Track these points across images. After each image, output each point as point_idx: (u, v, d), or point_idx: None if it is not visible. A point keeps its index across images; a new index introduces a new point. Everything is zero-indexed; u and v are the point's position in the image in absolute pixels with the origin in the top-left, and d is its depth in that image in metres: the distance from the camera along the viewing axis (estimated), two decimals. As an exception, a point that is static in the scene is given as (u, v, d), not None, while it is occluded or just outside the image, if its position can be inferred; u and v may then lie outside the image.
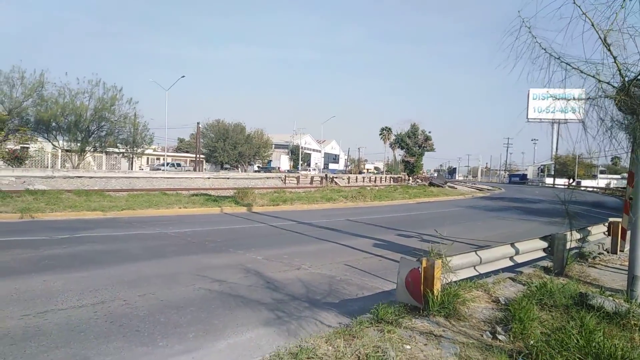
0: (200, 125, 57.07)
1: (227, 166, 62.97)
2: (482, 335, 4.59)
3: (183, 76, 54.68)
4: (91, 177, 28.03)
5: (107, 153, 43.01)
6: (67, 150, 35.03)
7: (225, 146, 60.26)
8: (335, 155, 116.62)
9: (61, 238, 10.07)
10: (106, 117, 34.69)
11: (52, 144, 34.70)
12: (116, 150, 40.84)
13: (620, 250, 9.63)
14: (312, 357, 3.90)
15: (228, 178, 37.19)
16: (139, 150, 42.06)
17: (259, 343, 4.49)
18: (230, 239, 10.83)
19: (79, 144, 33.90)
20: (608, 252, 9.75)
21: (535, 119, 62.78)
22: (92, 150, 36.10)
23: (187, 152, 75.68)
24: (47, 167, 37.96)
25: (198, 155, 55.50)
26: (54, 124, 32.61)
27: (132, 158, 43.99)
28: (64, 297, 5.73)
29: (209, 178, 35.89)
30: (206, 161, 65.06)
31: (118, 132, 36.93)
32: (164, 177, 33.04)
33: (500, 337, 4.50)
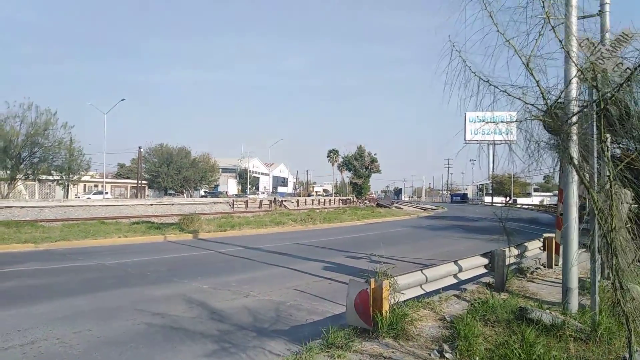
0: (142, 150, 55.13)
1: (172, 192, 60.94)
2: (429, 355, 4.64)
3: (123, 99, 52.70)
4: (22, 207, 26.09)
5: (40, 181, 40.42)
6: (-5, 179, 32.55)
7: (169, 171, 58.41)
8: (284, 178, 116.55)
9: (-16, 274, 9.22)
10: (39, 143, 32.65)
11: (-22, 173, 32.13)
12: (50, 177, 38.38)
13: (555, 264, 10.17)
14: (260, 389, 3.75)
15: (173, 204, 35.92)
16: (75, 177, 39.78)
17: (204, 378, 4.27)
18: (175, 268, 10.39)
19: (8, 172, 31.57)
20: (544, 267, 10.28)
21: (472, 140, 65.99)
22: (23, 178, 33.70)
23: (127, 177, 72.54)
24: (-29, 197, 34.97)
25: (140, 181, 53.39)
26: (-21, 150, 30.29)
27: (68, 185, 41.54)
28: (-15, 340, 5.20)
29: (151, 205, 34.49)
30: (149, 187, 62.62)
31: (52, 159, 34.79)
32: (103, 205, 31.40)
33: (447, 355, 4.57)
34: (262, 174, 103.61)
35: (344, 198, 62.71)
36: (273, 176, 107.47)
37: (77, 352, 4.86)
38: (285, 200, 48.05)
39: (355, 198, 62.59)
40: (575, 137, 3.55)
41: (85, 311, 6.57)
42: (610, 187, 3.09)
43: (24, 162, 32.62)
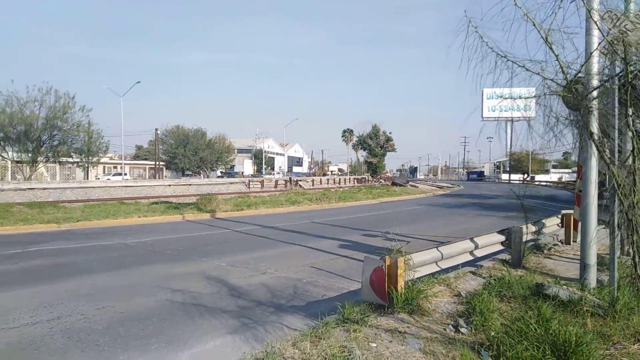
0: (158, 132, 55.61)
1: (189, 172, 61.61)
2: (445, 330, 4.69)
3: (139, 82, 52.83)
4: (44, 189, 26.70)
5: (60, 163, 41.07)
6: (17, 162, 33.23)
7: (186, 152, 58.96)
8: (299, 158, 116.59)
9: (12, 253, 9.55)
10: (58, 126, 33.12)
11: (1, 156, 32.86)
12: (70, 160, 39.06)
13: (573, 241, 10.08)
14: (279, 362, 3.86)
15: (190, 185, 36.34)
16: (94, 159, 40.43)
17: (224, 351, 4.40)
18: (193, 247, 10.59)
19: (30, 155, 32.21)
20: (562, 243, 10.19)
21: (489, 117, 64.96)
22: (44, 160, 34.39)
23: (145, 159, 73.50)
24: (-4, 179, 35.93)
25: (157, 162, 54.03)
26: (1, 134, 30.89)
27: (87, 167, 42.33)
28: (16, 315, 5.43)
29: (169, 185, 34.97)
30: (166, 168, 63.40)
31: (71, 141, 35.31)
32: (122, 186, 31.93)
33: (462, 330, 4.61)
34: (277, 154, 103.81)
35: (359, 177, 62.58)
36: (288, 156, 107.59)
37: (100, 327, 5.04)
38: (300, 180, 48.20)
39: (370, 177, 62.43)
40: (596, 112, 3.47)
41: (108, 288, 6.78)
42: (634, 162, 3.03)
43: (44, 145, 33.21)
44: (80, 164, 40.84)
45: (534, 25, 2.79)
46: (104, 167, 59.68)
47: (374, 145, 69.09)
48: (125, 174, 53.48)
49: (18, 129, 31.08)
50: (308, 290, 6.64)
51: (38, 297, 6.19)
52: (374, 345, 4.24)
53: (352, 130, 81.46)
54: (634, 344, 4.19)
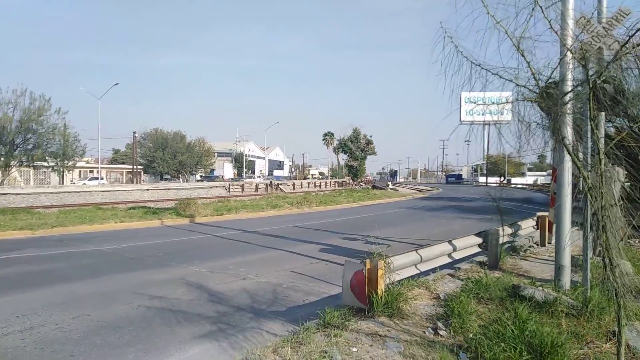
0: (137, 135, 54.76)
1: (168, 176, 60.77)
2: (424, 332, 4.73)
3: (116, 84, 52.13)
4: (18, 194, 25.96)
5: (35, 167, 39.99)
6: (-11, 166, 32.25)
7: (165, 156, 58.15)
8: (280, 161, 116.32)
9: (-19, 262, 9.24)
10: (33, 129, 32.22)
11: (-28, 160, 31.84)
12: (45, 164, 38.05)
13: (548, 243, 10.31)
14: (259, 369, 3.83)
15: (169, 189, 35.85)
16: (70, 163, 39.47)
17: (203, 359, 4.34)
18: (172, 253, 10.45)
19: (2, 159, 31.29)
20: (538, 245, 10.42)
21: (467, 121, 65.53)
22: (18, 164, 33.39)
23: (123, 163, 72.30)
24: (-35, 184, 34.72)
25: (135, 167, 53.17)
26: (-27, 137, 29.95)
27: (63, 172, 41.28)
28: (-16, 327, 5.25)
29: (147, 190, 34.41)
30: (144, 172, 62.40)
31: (47, 145, 34.39)
32: (99, 191, 31.30)
33: (441, 332, 4.67)
34: (257, 157, 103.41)
35: (340, 180, 62.77)
36: (269, 160, 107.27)
37: (76, 337, 4.92)
38: (281, 184, 48.06)
39: (351, 180, 62.72)
40: (567, 117, 3.57)
41: (84, 296, 6.63)
42: (600, 165, 3.12)
43: (18, 149, 32.27)
44: (55, 168, 39.75)
45: (506, 33, 2.87)
46: (80, 171, 58.39)
47: (355, 148, 69.47)
48: (102, 179, 52.46)
49: (-10, 131, 30.16)
50: (289, 295, 6.62)
51: (10, 307, 6.00)
52: (355, 349, 4.25)
53: (332, 134, 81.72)
54: (605, 343, 4.31)
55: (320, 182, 58.79)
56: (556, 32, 2.74)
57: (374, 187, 49.73)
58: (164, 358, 4.37)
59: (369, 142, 71.58)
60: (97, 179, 50.27)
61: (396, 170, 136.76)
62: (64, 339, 4.84)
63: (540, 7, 2.73)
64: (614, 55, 2.90)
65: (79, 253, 10.46)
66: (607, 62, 2.95)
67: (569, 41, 3.33)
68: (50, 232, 13.88)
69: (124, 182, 61.17)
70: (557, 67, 3.11)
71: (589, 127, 4.07)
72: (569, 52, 3.29)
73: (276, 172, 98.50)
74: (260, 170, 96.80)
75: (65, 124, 35.17)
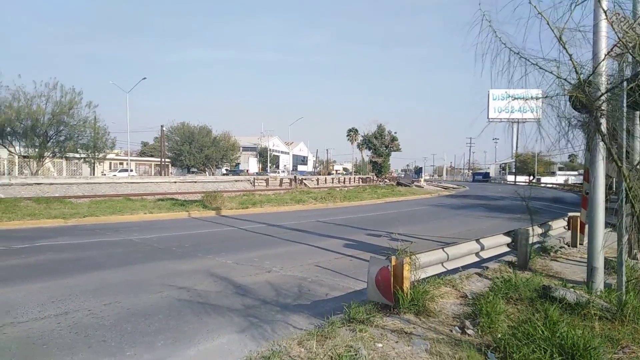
0: (164, 129, 55.77)
1: (194, 170, 61.74)
2: (451, 331, 4.67)
3: (144, 78, 53.47)
4: (51, 184, 26.88)
5: (67, 159, 41.28)
6: (24, 157, 33.40)
7: (191, 149, 59.07)
8: (304, 156, 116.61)
9: (20, 248, 9.62)
10: (65, 121, 33.25)
11: (8, 150, 33.05)
12: (77, 155, 39.23)
13: (579, 244, 10.01)
14: (285, 360, 3.86)
15: (195, 182, 36.48)
16: (101, 155, 40.63)
17: (230, 348, 4.41)
18: (199, 244, 10.63)
19: (36, 150, 32.38)
20: (569, 246, 10.14)
21: (495, 118, 64.60)
22: (51, 155, 34.56)
23: (151, 156, 73.79)
24: (3, 174, 36.13)
25: (163, 159, 54.21)
26: (8, 129, 31.05)
27: (94, 163, 42.48)
28: (24, 310, 5.46)
29: (175, 182, 35.10)
30: (172, 165, 63.57)
31: (78, 137, 35.46)
32: (128, 182, 32.10)
33: (469, 331, 4.60)
34: (282, 152, 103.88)
35: (364, 177, 62.54)
36: (293, 155, 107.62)
37: (107, 323, 5.07)
38: (305, 179, 48.23)
39: (375, 177, 62.43)
40: (606, 114, 3.44)
41: (115, 284, 6.82)
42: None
43: (51, 140, 33.35)
44: (86, 159, 40.97)
45: (547, 23, 2.77)
46: (110, 163, 59.96)
47: (379, 144, 69.01)
48: (131, 170, 53.77)
49: (25, 123, 31.20)
50: (313, 289, 6.65)
51: (46, 292, 6.23)
52: (380, 345, 4.23)
53: (357, 130, 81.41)
54: (642, 348, 4.16)
55: (344, 178, 58.72)
56: (611, 24, 2.63)
57: (399, 184, 49.31)
58: (193, 346, 4.45)
59: (393, 139, 70.99)
60: (126, 170, 51.55)
61: (421, 168, 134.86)
62: (97, 325, 4.99)
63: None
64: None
65: (109, 242, 10.75)
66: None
67: (605, 37, 3.21)
68: (82, 221, 14.32)
69: (153, 174, 62.52)
70: (601, 60, 2.99)
71: (625, 125, 3.93)
72: (604, 46, 3.17)
73: (300, 167, 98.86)
74: (285, 165, 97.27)
75: (95, 117, 36.14)
